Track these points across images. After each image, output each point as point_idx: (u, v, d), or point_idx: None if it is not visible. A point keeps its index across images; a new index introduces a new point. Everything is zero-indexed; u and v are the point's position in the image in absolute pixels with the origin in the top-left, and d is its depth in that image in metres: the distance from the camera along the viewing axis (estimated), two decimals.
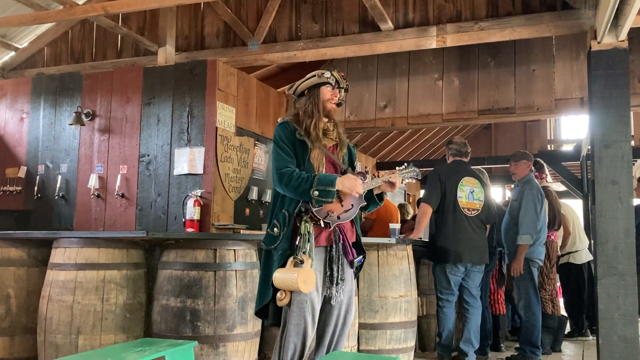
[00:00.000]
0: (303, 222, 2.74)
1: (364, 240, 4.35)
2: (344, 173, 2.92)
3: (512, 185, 5.35)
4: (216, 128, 5.20)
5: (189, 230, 4.91)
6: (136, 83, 5.56)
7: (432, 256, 4.66)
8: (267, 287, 2.81)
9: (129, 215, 5.41)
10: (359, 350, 4.11)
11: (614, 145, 4.16)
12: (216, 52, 5.79)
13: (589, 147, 4.86)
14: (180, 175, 5.25)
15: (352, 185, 2.78)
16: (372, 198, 3.00)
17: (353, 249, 2.92)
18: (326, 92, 2.93)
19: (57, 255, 3.61)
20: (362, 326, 4.14)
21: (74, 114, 5.59)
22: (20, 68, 6.67)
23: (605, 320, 4.07)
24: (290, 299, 2.72)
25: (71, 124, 5.61)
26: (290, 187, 2.75)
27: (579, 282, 6.20)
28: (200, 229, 4.98)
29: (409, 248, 4.44)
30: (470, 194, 4.60)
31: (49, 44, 6.60)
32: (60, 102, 5.88)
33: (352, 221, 2.97)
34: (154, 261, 3.74)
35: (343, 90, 3.01)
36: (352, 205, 2.87)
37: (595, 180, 4.21)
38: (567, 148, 11.96)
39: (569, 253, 6.11)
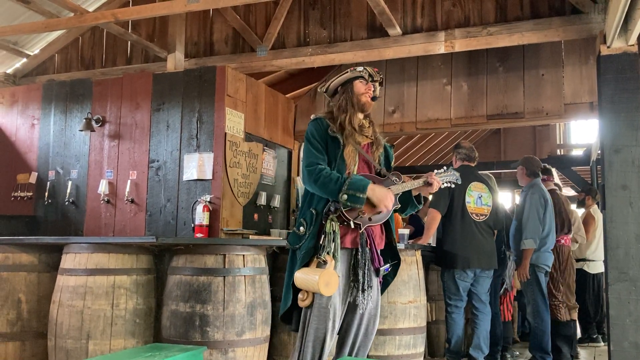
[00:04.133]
0: (329, 221, 2.61)
1: None
2: (378, 173, 2.82)
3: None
4: (225, 134, 5.23)
5: (198, 235, 4.93)
6: (146, 89, 5.60)
7: (440, 262, 4.65)
8: (289, 291, 2.68)
9: (138, 220, 5.44)
10: (368, 356, 4.09)
11: (624, 150, 4.14)
12: (225, 58, 5.82)
13: (599, 151, 4.84)
14: (189, 180, 5.28)
15: (382, 197, 2.65)
16: (410, 200, 2.88)
17: (381, 256, 2.78)
18: (360, 86, 2.85)
19: (68, 260, 3.64)
20: None
21: (84, 120, 5.64)
22: (31, 75, 6.73)
23: (617, 327, 4.03)
24: (313, 303, 2.61)
25: (81, 130, 5.65)
26: (318, 185, 2.64)
27: (592, 290, 6.14)
28: (209, 234, 4.99)
29: (418, 254, 4.43)
30: (478, 199, 4.59)
31: (59, 50, 6.66)
32: (71, 109, 5.92)
33: (384, 227, 2.85)
34: (164, 266, 3.75)
35: (378, 84, 2.91)
36: None
37: (605, 185, 4.18)
38: (577, 153, 11.90)
39: (584, 260, 6.06)
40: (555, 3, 4.83)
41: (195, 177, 5.23)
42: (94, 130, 5.68)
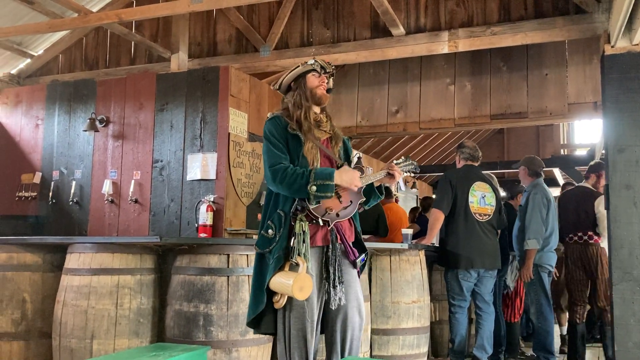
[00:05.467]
0: (298, 221, 2.60)
1: (376, 245, 4.37)
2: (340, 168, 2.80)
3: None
4: (228, 134, 5.23)
5: (202, 235, 4.93)
6: (149, 89, 5.61)
7: (443, 262, 4.64)
8: (261, 294, 2.65)
9: (142, 220, 5.45)
10: (371, 355, 4.10)
11: (628, 150, 4.13)
12: (228, 59, 5.83)
13: (603, 151, 4.82)
14: (193, 180, 5.28)
15: (350, 178, 2.67)
16: (373, 191, 2.89)
17: (354, 248, 2.78)
18: (313, 79, 2.82)
19: (72, 260, 3.65)
20: (374, 332, 4.13)
21: (88, 121, 5.65)
22: (35, 75, 6.75)
23: (621, 327, 4.03)
24: (289, 304, 2.61)
25: (85, 130, 5.66)
26: (285, 184, 2.61)
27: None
28: (212, 234, 5.00)
29: (422, 253, 4.43)
30: (481, 199, 4.58)
31: (63, 51, 6.68)
32: (75, 109, 5.94)
33: (350, 219, 2.85)
34: (167, 266, 3.76)
35: (330, 76, 2.88)
36: (351, 201, 2.75)
37: (609, 185, 4.18)
38: (581, 152, 11.89)
39: None
40: (559, 3, 4.82)
41: (199, 177, 5.24)
42: (97, 131, 5.69)
